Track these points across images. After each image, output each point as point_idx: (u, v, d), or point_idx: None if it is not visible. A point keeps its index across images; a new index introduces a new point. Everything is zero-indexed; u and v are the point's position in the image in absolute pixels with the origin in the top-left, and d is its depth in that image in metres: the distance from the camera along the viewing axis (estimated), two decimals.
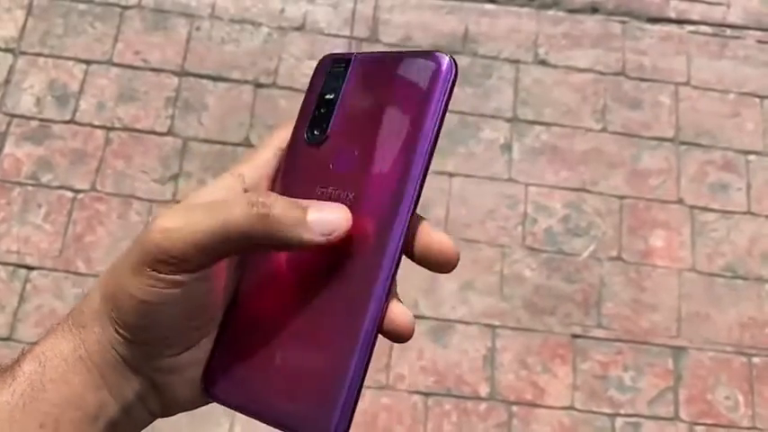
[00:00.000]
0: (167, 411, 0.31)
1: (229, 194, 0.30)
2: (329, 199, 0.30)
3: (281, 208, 0.27)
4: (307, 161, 0.32)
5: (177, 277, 0.27)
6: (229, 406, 0.31)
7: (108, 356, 0.29)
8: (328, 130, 0.32)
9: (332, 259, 0.29)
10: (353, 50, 0.31)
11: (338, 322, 0.29)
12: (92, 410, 0.29)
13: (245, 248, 0.28)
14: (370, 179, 0.29)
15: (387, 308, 0.28)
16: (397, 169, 0.29)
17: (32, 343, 0.30)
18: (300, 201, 0.29)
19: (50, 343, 0.29)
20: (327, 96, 0.32)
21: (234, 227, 0.27)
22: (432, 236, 0.30)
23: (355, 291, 0.29)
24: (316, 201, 0.29)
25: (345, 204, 0.29)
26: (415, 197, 0.29)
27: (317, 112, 0.32)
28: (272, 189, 0.32)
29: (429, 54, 0.30)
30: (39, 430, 0.27)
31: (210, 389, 0.31)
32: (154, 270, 0.27)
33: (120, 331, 0.28)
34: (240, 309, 0.31)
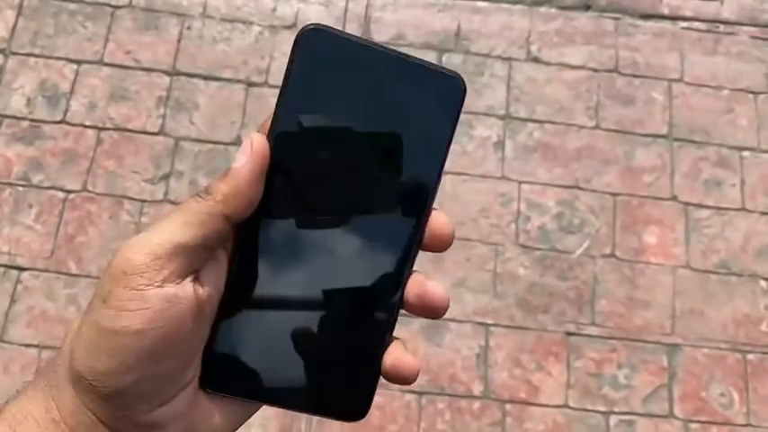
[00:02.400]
0: None
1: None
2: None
3: (215, 180, 0.29)
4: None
5: (147, 291, 0.27)
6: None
7: (83, 418, 0.28)
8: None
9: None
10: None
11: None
12: None
13: (217, 231, 0.28)
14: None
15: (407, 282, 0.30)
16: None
17: (4, 403, 0.29)
18: None
19: (20, 405, 0.28)
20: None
21: (192, 212, 0.28)
22: (426, 286, 0.31)
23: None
24: None
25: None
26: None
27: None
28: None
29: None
30: None
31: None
32: (124, 287, 0.27)
33: (91, 383, 0.27)
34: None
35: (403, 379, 0.30)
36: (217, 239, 0.29)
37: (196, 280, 0.29)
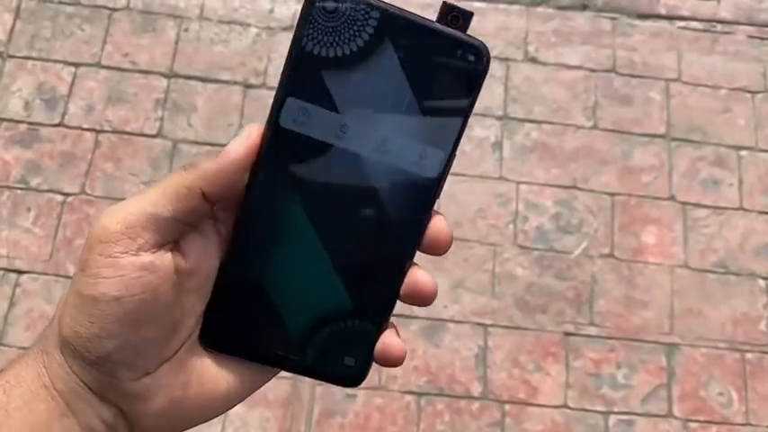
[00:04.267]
0: None
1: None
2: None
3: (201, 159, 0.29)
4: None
5: (122, 258, 0.27)
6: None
7: (71, 384, 0.28)
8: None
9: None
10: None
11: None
12: None
13: (194, 207, 0.29)
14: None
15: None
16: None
17: (1, 370, 0.29)
18: None
19: (15, 371, 0.29)
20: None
21: (172, 185, 0.28)
22: (413, 275, 0.31)
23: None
24: None
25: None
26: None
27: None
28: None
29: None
30: None
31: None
32: (100, 255, 0.27)
33: (76, 348, 0.28)
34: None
35: (391, 362, 0.32)
36: (193, 214, 0.29)
37: (176, 251, 0.29)
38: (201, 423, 0.31)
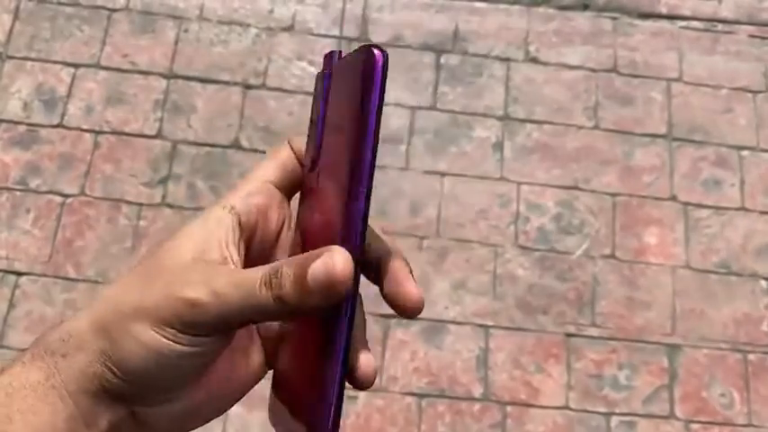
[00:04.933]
0: None
1: (221, 230, 0.30)
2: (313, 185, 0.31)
3: (290, 285, 0.27)
4: (308, 191, 0.31)
5: (198, 339, 0.27)
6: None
7: (89, 386, 0.28)
8: (319, 156, 0.31)
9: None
10: (342, 51, 0.30)
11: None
12: None
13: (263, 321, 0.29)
14: (331, 200, 0.29)
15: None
16: (344, 186, 0.28)
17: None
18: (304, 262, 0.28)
19: (17, 372, 0.28)
20: (314, 118, 0.32)
21: (257, 308, 0.27)
22: (402, 286, 0.30)
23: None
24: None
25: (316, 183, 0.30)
26: (362, 215, 0.28)
27: (311, 138, 0.32)
28: (297, 222, 0.33)
29: (361, 51, 0.28)
30: None
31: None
32: (176, 330, 0.27)
33: (114, 370, 0.28)
34: None
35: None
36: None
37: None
38: (212, 420, 0.32)
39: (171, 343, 0.27)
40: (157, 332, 0.27)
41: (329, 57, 0.32)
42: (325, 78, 0.32)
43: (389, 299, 0.30)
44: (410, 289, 0.29)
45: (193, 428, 0.31)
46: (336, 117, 0.30)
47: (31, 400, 0.27)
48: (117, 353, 0.28)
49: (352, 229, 0.27)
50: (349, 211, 0.27)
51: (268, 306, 0.27)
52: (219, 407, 0.31)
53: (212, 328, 0.27)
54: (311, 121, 0.32)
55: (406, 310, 0.30)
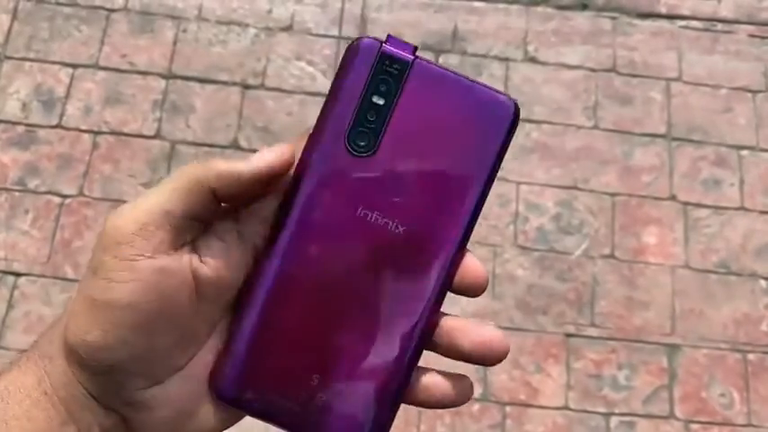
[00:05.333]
0: None
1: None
2: (372, 226, 0.28)
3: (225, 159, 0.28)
4: (344, 173, 0.28)
5: (138, 262, 0.26)
6: (248, 411, 0.29)
7: (74, 391, 0.27)
8: (379, 144, 0.29)
9: (373, 278, 0.28)
10: (414, 46, 0.29)
11: (384, 344, 0.28)
12: None
13: (202, 203, 0.27)
14: (424, 214, 0.28)
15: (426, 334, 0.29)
16: (451, 211, 0.28)
17: None
18: None
19: (13, 377, 0.28)
20: (376, 100, 0.28)
21: (183, 178, 0.27)
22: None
23: (400, 318, 0.28)
24: None
25: (391, 234, 0.28)
26: (462, 240, 0.29)
27: (364, 117, 0.28)
28: (293, 198, 0.29)
29: (498, 95, 0.29)
30: None
31: (224, 389, 0.29)
32: (114, 257, 0.26)
33: (82, 357, 0.27)
34: (267, 307, 0.29)
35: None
36: (204, 212, 0.28)
37: (195, 255, 0.28)
38: None
39: (108, 283, 0.26)
40: (96, 276, 0.26)
41: (397, 43, 0.29)
42: (399, 66, 0.29)
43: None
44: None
45: None
46: (421, 133, 0.28)
47: (26, 406, 0.27)
48: (77, 331, 0.27)
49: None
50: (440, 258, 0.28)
51: (193, 169, 0.27)
52: (210, 419, 0.30)
53: (139, 229, 0.26)
54: (343, 108, 0.29)
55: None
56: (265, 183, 0.28)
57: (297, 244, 0.28)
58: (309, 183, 0.28)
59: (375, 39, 0.29)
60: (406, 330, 0.28)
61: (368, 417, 0.29)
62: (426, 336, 0.29)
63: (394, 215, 0.28)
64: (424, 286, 0.28)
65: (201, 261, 0.28)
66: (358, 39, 0.29)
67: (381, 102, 0.28)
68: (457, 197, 0.28)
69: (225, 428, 0.30)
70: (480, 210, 0.29)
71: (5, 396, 0.27)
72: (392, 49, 0.29)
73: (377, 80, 0.28)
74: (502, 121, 0.29)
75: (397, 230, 0.28)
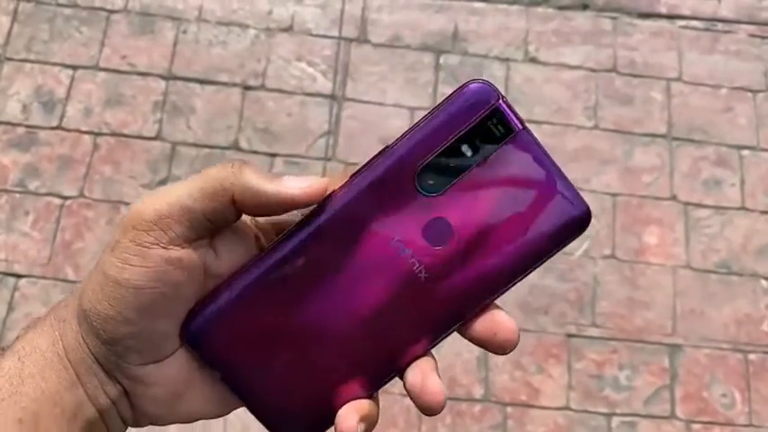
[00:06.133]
0: (137, 422, 0.31)
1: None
2: (398, 258, 0.29)
3: (257, 167, 0.28)
4: (398, 199, 0.28)
5: (151, 250, 0.27)
6: (212, 366, 0.30)
7: (83, 356, 0.29)
8: (445, 191, 0.28)
9: (372, 298, 0.29)
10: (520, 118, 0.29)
11: (365, 362, 0.29)
12: (70, 408, 0.28)
13: (222, 209, 0.28)
14: (450, 272, 0.29)
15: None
16: (478, 284, 0.29)
17: (16, 337, 0.30)
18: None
19: (30, 337, 0.29)
20: (464, 148, 0.28)
21: (210, 180, 0.28)
22: (497, 323, 0.31)
23: (396, 347, 0.30)
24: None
25: (412, 275, 0.29)
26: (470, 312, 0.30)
27: (446, 159, 0.28)
28: (337, 195, 0.29)
29: (579, 195, 0.29)
30: (17, 425, 0.27)
31: (196, 337, 0.29)
32: (131, 241, 0.27)
33: (92, 323, 0.28)
34: (263, 283, 0.29)
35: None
36: (222, 217, 0.28)
37: (211, 250, 0.29)
38: (201, 419, 0.31)
39: (123, 264, 0.27)
40: (113, 254, 0.27)
41: (510, 107, 0.28)
42: (505, 129, 0.28)
43: (486, 333, 0.30)
44: (507, 321, 0.31)
45: (186, 419, 0.31)
46: (490, 198, 0.28)
47: (41, 365, 0.28)
48: (88, 300, 0.28)
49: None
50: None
51: (222, 175, 0.28)
52: (203, 405, 0.31)
53: (159, 219, 0.27)
54: (427, 141, 0.28)
55: (502, 345, 0.31)
56: (286, 209, 0.29)
57: (316, 238, 0.28)
58: (357, 189, 0.28)
59: (495, 89, 0.28)
60: (378, 353, 0.30)
61: (308, 418, 0.30)
62: (397, 370, 0.30)
63: (423, 260, 0.28)
64: (412, 331, 0.30)
65: (217, 259, 0.29)
66: (478, 81, 0.28)
67: (469, 153, 0.28)
68: (492, 272, 0.29)
69: (216, 416, 0.32)
70: (504, 293, 0.29)
71: (22, 355, 0.28)
72: (507, 109, 0.28)
73: (476, 131, 0.28)
74: (572, 220, 0.29)
75: (419, 274, 0.28)
